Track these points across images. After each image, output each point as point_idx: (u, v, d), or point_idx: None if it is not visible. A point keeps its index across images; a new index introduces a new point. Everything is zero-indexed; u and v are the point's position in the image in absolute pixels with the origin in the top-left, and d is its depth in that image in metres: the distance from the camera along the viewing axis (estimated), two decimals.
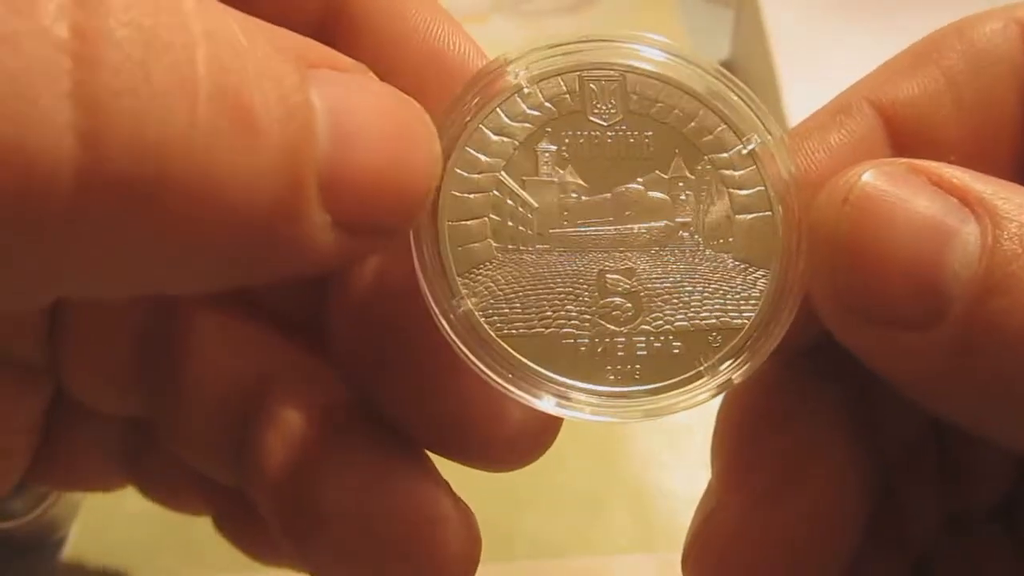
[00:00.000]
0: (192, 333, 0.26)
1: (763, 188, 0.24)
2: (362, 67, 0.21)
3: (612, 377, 0.23)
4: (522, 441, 0.24)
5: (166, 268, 0.18)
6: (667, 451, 0.48)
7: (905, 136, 0.25)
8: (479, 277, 0.23)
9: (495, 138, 0.24)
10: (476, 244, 0.23)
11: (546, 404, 0.23)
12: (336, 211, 0.19)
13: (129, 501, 0.45)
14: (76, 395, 0.27)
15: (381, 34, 0.24)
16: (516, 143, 0.24)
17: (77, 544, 0.43)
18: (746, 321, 0.24)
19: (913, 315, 0.20)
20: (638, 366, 0.23)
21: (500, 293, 0.23)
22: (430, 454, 0.25)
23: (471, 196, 0.23)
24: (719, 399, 0.25)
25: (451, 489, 0.24)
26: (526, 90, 0.24)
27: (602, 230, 0.24)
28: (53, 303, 0.25)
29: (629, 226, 0.24)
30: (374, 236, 0.21)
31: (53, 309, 0.26)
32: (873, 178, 0.21)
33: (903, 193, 0.21)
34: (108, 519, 0.44)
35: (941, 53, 0.25)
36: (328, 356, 0.26)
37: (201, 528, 0.45)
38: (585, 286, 0.24)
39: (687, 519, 0.46)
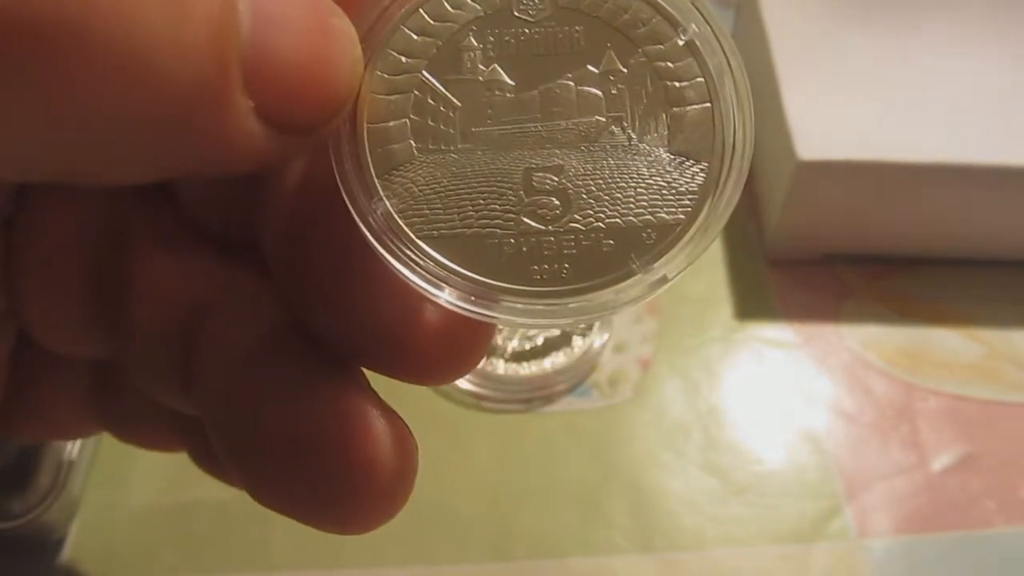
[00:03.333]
0: (136, 264, 0.26)
1: (701, 79, 0.23)
2: None
3: (539, 278, 0.22)
4: (448, 347, 0.23)
5: (77, 136, 0.17)
6: (667, 451, 0.47)
7: None
8: (398, 178, 0.22)
9: (417, 38, 0.23)
10: (395, 145, 0.23)
11: (469, 305, 0.22)
12: (259, 99, 0.19)
13: (129, 500, 0.45)
14: (37, 337, 0.27)
15: None
16: (439, 43, 0.23)
17: (77, 544, 0.43)
18: (682, 217, 0.23)
19: None
20: (566, 265, 0.22)
21: (420, 194, 0.22)
22: (369, 374, 0.25)
23: (391, 97, 0.23)
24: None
25: (381, 402, 0.24)
26: None
27: (529, 127, 0.23)
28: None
29: (558, 122, 0.23)
30: (296, 133, 0.20)
31: (6, 247, 0.26)
32: None
33: None
34: (108, 519, 0.44)
35: None
36: (268, 276, 0.25)
37: (201, 528, 0.45)
38: (510, 185, 0.23)
39: (687, 519, 0.45)
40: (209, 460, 0.30)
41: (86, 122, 0.17)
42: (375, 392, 0.24)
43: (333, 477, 0.23)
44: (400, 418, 0.24)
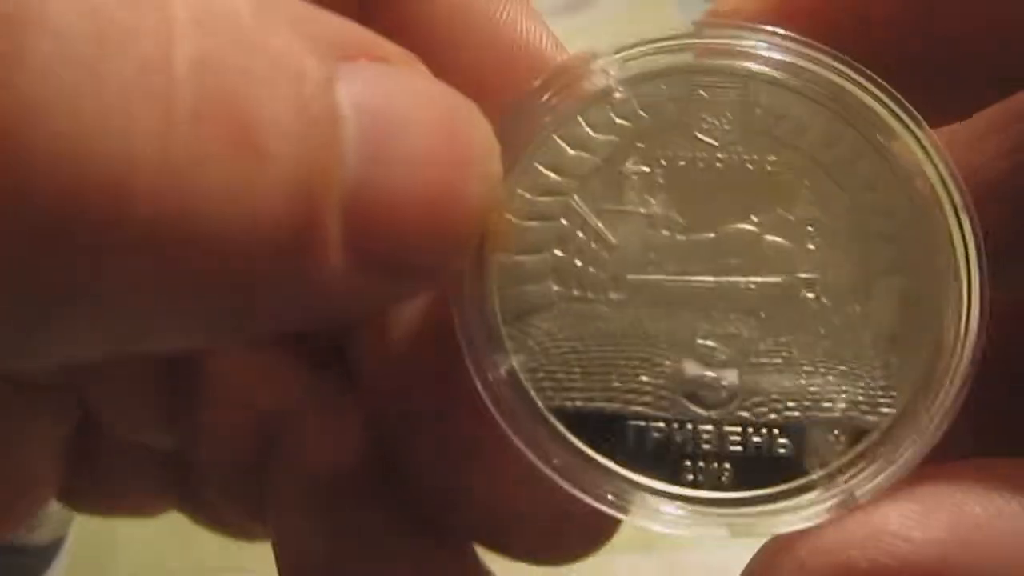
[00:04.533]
0: (213, 361, 0.22)
1: (925, 244, 0.18)
2: (411, 57, 0.17)
3: (691, 477, 0.18)
4: (567, 539, 0.19)
5: (141, 319, 0.14)
6: None
7: None
8: (531, 329, 0.18)
9: (572, 152, 0.19)
10: (532, 286, 0.18)
11: (599, 504, 0.18)
12: (363, 248, 0.15)
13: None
14: (102, 419, 0.25)
15: (437, 18, 0.19)
16: (598, 161, 0.19)
17: (77, 544, 0.43)
18: (882, 418, 0.18)
19: None
20: (727, 466, 0.18)
21: (556, 352, 0.18)
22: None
23: (532, 224, 0.18)
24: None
25: None
26: (617, 94, 0.19)
27: (698, 281, 0.18)
28: None
29: (735, 278, 0.18)
30: (409, 278, 0.16)
31: None
32: None
33: None
34: (108, 519, 0.43)
35: None
36: (356, 397, 0.22)
37: (201, 528, 0.44)
38: (668, 352, 0.18)
39: None
40: None
41: (142, 301, 0.13)
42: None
43: None
44: None
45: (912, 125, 0.18)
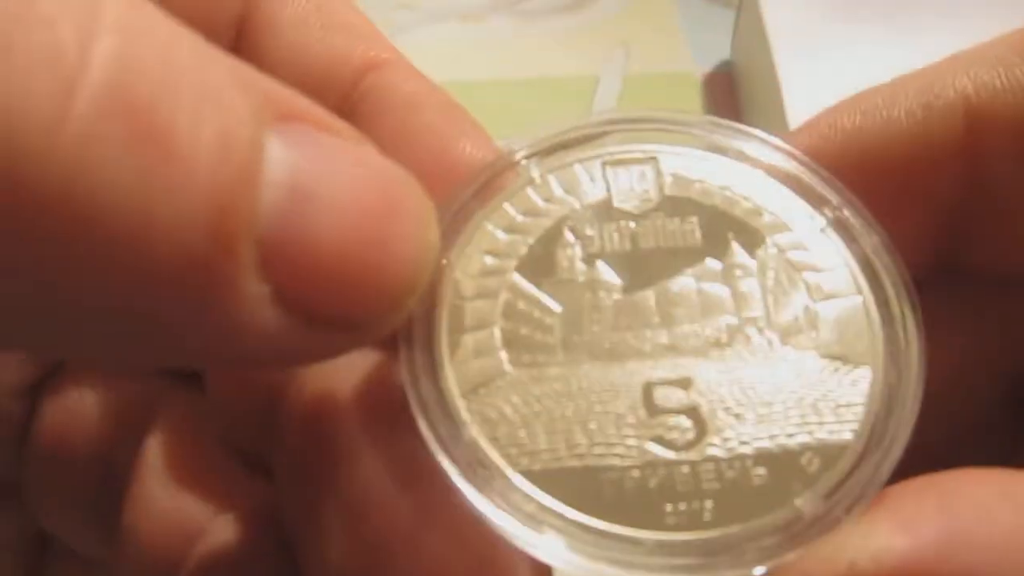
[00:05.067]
0: (138, 467, 0.22)
1: (846, 268, 0.19)
2: (358, 134, 0.17)
3: (673, 520, 0.17)
4: None
5: (25, 312, 0.13)
6: None
7: (994, 151, 0.19)
8: (488, 399, 0.18)
9: (504, 236, 0.20)
10: (483, 359, 0.18)
11: (585, 561, 0.17)
12: (280, 284, 0.15)
13: None
14: (44, 523, 0.24)
15: (393, 131, 0.21)
16: (530, 240, 0.19)
17: None
18: (849, 435, 0.18)
19: None
20: (708, 503, 0.17)
21: (516, 417, 0.18)
22: None
23: (476, 303, 0.19)
24: None
25: None
26: (538, 181, 0.20)
27: (645, 333, 0.19)
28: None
29: (680, 327, 0.19)
30: (339, 331, 0.16)
31: (25, 422, 0.23)
32: None
33: None
34: None
35: None
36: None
37: None
38: (628, 403, 0.18)
39: None
40: None
41: (20, 290, 0.13)
42: None
43: None
44: None
45: (813, 165, 0.20)
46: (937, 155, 0.20)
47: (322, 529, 0.18)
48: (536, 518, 0.17)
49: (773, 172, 0.20)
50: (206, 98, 0.14)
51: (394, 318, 0.17)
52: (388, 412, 0.18)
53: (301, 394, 0.19)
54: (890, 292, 0.19)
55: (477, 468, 0.17)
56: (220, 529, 0.20)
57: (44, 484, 0.23)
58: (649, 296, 0.19)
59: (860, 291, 0.19)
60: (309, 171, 0.15)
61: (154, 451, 0.21)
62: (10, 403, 0.22)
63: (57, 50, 0.12)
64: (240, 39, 0.21)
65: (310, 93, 0.19)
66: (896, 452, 0.17)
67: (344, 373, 0.19)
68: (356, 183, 0.16)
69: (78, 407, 0.22)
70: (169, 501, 0.21)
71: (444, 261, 0.19)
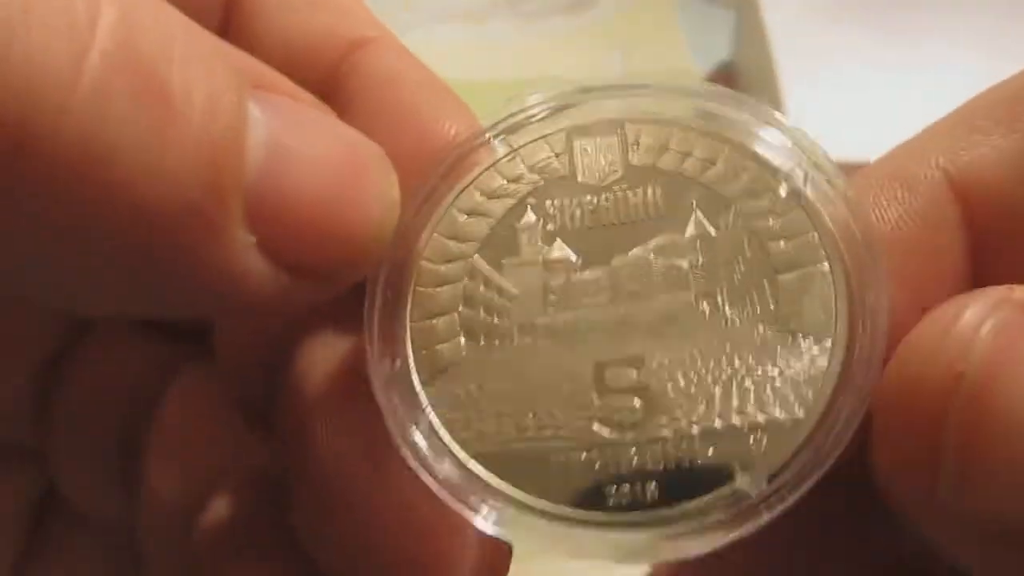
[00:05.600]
0: (152, 427, 0.24)
1: (814, 235, 0.18)
2: (322, 105, 0.19)
3: (617, 501, 0.17)
4: None
5: (39, 258, 0.15)
6: None
7: (988, 225, 0.18)
8: (447, 385, 0.19)
9: (467, 219, 0.20)
10: (443, 345, 0.19)
11: (530, 540, 0.18)
12: (263, 235, 0.16)
13: None
14: (62, 486, 0.26)
15: (374, 108, 0.21)
16: (493, 221, 0.20)
17: None
18: (801, 414, 0.17)
19: None
20: (653, 484, 0.17)
21: (469, 402, 0.19)
22: None
23: (438, 289, 0.19)
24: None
25: None
26: (505, 160, 0.20)
27: (598, 312, 0.19)
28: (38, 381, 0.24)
29: (634, 304, 0.19)
30: (311, 279, 0.17)
31: (42, 387, 0.25)
32: (999, 340, 0.15)
33: None
34: None
35: None
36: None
37: None
38: (577, 384, 0.18)
39: None
40: None
41: (40, 236, 0.15)
42: None
43: None
44: None
45: (784, 123, 0.19)
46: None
47: (298, 490, 0.20)
48: (485, 499, 0.18)
49: (743, 133, 0.19)
50: (194, 64, 0.15)
51: (361, 268, 0.18)
52: (357, 393, 0.19)
53: (290, 370, 0.21)
54: (855, 263, 0.18)
55: (432, 449, 0.18)
56: (225, 490, 0.22)
57: (67, 448, 0.25)
58: (605, 274, 0.19)
59: (826, 259, 0.18)
60: (285, 134, 0.17)
61: (170, 411, 0.23)
62: (26, 379, 0.24)
63: (70, 13, 0.14)
64: (228, 17, 0.22)
65: (296, 70, 0.20)
66: (846, 432, 0.17)
67: (326, 355, 0.21)
68: (326, 145, 0.17)
69: (99, 375, 0.25)
70: (183, 455, 0.23)
71: (413, 246, 0.20)
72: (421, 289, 0.19)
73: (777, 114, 0.19)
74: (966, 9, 0.57)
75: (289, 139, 0.17)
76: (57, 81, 0.14)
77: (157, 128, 0.15)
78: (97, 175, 0.14)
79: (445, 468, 0.18)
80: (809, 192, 0.19)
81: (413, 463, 0.18)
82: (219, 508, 0.22)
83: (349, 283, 0.19)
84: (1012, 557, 0.16)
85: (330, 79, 0.22)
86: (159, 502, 0.23)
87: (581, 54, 0.63)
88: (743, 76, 0.60)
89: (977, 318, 0.16)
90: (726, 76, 0.61)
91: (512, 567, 0.20)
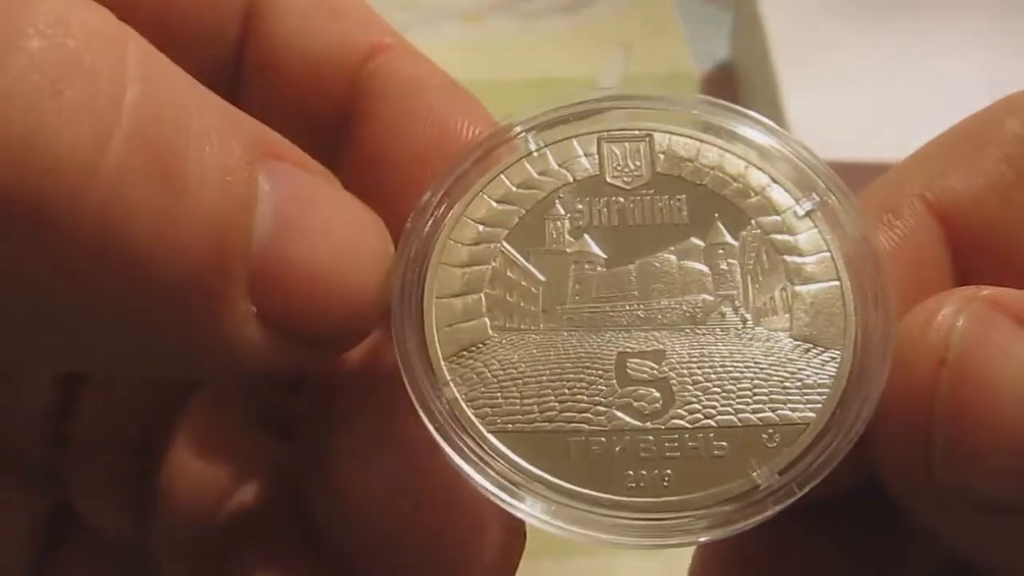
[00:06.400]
0: (173, 437, 0.23)
1: (828, 253, 0.20)
2: (328, 174, 0.20)
3: (633, 485, 0.18)
4: (501, 561, 0.19)
5: (51, 324, 0.16)
6: None
7: (966, 240, 0.20)
8: (470, 361, 0.19)
9: (497, 206, 0.20)
10: (468, 323, 0.19)
11: (545, 516, 0.18)
12: (264, 305, 0.17)
13: None
14: (77, 503, 0.25)
15: (395, 113, 0.22)
16: (522, 211, 0.20)
17: None
18: (812, 415, 0.18)
19: None
20: (668, 472, 0.18)
21: (493, 379, 0.19)
22: None
23: (465, 269, 0.20)
24: None
25: None
26: (535, 154, 0.21)
27: (623, 306, 0.20)
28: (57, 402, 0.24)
29: (657, 301, 0.20)
30: (307, 346, 0.18)
31: (60, 408, 0.24)
32: (970, 330, 0.18)
33: (1005, 346, 0.17)
34: None
35: (1002, 139, 0.20)
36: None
37: None
38: (600, 372, 0.19)
39: None
40: None
41: (55, 303, 0.15)
42: None
43: None
44: None
45: (803, 148, 0.20)
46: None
47: (318, 481, 0.20)
48: (505, 474, 0.18)
49: (765, 154, 0.21)
50: (209, 140, 0.16)
51: (358, 334, 0.19)
52: (380, 378, 0.20)
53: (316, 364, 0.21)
54: (867, 281, 0.19)
55: (454, 424, 0.18)
56: (245, 493, 0.22)
57: (83, 466, 0.24)
58: (631, 270, 0.20)
59: (838, 277, 0.19)
60: (290, 207, 0.17)
61: (188, 422, 0.23)
62: (45, 394, 0.24)
63: (96, 97, 0.14)
64: (248, 28, 0.22)
65: (316, 78, 0.20)
66: (854, 434, 0.18)
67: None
68: (329, 217, 0.18)
69: (116, 392, 0.24)
70: (201, 465, 0.23)
71: (441, 224, 0.20)
72: (447, 267, 0.20)
73: (797, 139, 0.21)
74: (966, 9, 0.57)
75: (294, 212, 0.17)
76: (80, 162, 0.14)
77: (171, 205, 0.15)
78: (111, 250, 0.15)
79: (465, 442, 0.18)
80: (823, 212, 0.20)
81: (434, 435, 0.18)
82: (239, 510, 0.22)
83: (345, 349, 0.20)
84: (1002, 527, 0.17)
85: (350, 86, 0.22)
86: (178, 507, 0.23)
87: (581, 54, 0.63)
88: (742, 76, 0.60)
89: (953, 313, 0.18)
90: (725, 76, 0.61)
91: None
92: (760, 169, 0.21)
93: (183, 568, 0.23)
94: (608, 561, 0.41)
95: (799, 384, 0.19)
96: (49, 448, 0.24)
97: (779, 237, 0.20)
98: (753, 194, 0.20)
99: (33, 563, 0.25)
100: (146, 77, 0.15)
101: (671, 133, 0.21)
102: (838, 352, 0.19)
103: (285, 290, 0.17)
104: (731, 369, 0.19)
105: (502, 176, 0.21)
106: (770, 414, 0.18)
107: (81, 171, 0.14)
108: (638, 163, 0.21)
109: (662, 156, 0.21)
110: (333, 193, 0.19)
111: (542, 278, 0.20)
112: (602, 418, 0.19)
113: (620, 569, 0.41)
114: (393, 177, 0.21)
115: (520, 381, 0.19)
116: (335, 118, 0.22)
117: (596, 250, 0.20)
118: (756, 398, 0.19)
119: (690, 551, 0.23)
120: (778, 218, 0.20)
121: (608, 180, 0.21)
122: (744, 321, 0.19)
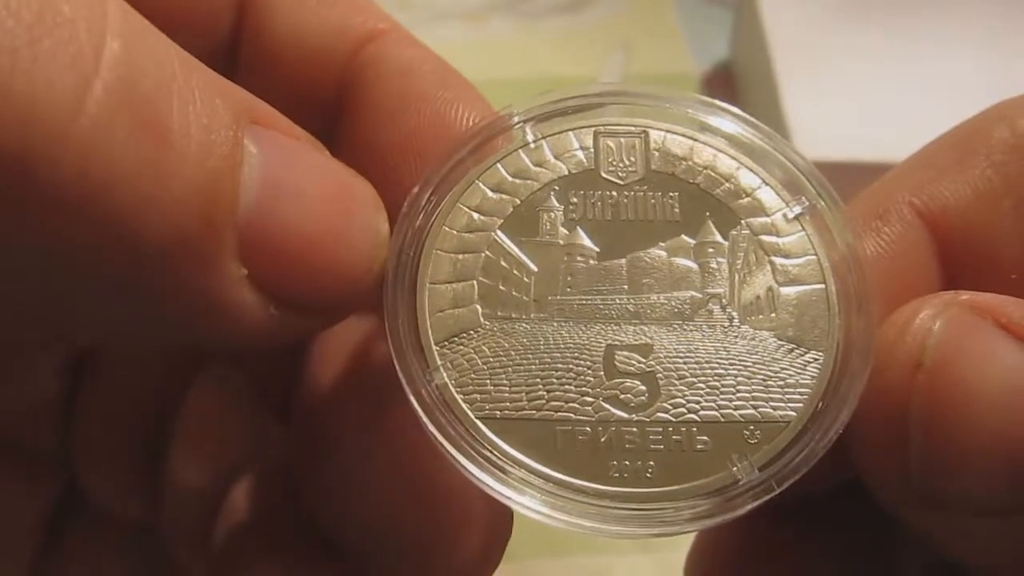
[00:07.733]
0: (181, 420, 0.24)
1: (814, 257, 0.20)
2: (315, 141, 0.20)
3: (617, 475, 0.18)
4: (487, 547, 0.20)
5: (32, 285, 0.15)
6: None
7: (954, 247, 0.21)
8: (460, 348, 0.19)
9: (492, 195, 0.21)
10: (460, 309, 0.20)
11: (529, 503, 0.18)
12: (255, 268, 0.17)
13: None
14: (86, 490, 0.25)
15: (391, 97, 0.22)
16: (516, 201, 0.21)
17: None
18: (793, 414, 0.19)
19: (1004, 501, 0.17)
20: (651, 463, 0.19)
21: (484, 367, 0.19)
22: None
23: (459, 256, 0.20)
24: None
25: None
26: (532, 145, 0.21)
27: (613, 299, 0.20)
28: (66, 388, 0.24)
29: (647, 296, 0.20)
30: (301, 313, 0.18)
31: (69, 394, 0.24)
32: (947, 335, 0.18)
33: (983, 350, 0.17)
34: None
35: (990, 146, 0.21)
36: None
37: None
38: (589, 363, 0.19)
39: None
40: None
41: (31, 261, 0.15)
42: None
43: None
44: None
45: (795, 153, 0.21)
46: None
47: (315, 468, 0.20)
48: (491, 460, 0.18)
49: (757, 156, 0.21)
50: (192, 98, 0.16)
51: (350, 303, 0.19)
52: (373, 366, 0.20)
53: (311, 347, 0.21)
54: (852, 285, 0.20)
55: (443, 409, 0.19)
56: (248, 475, 0.22)
57: (92, 448, 0.24)
58: (622, 264, 0.20)
59: (824, 280, 0.20)
60: (279, 170, 0.17)
61: (195, 404, 0.23)
62: (53, 379, 0.24)
63: (75, 43, 0.14)
64: (242, 16, 0.22)
65: (312, 64, 0.20)
66: (833, 434, 0.18)
67: (347, 329, 0.21)
68: (318, 182, 0.18)
69: (125, 373, 0.24)
70: (207, 447, 0.23)
71: (435, 212, 0.20)
72: (441, 253, 0.20)
73: (790, 145, 0.21)
74: (966, 9, 0.57)
75: (283, 175, 0.17)
76: (60, 111, 0.14)
77: (154, 160, 0.15)
78: (94, 204, 0.14)
79: (453, 428, 0.19)
80: (811, 216, 0.20)
81: (423, 419, 0.19)
82: (242, 497, 0.22)
83: (339, 318, 0.19)
84: (982, 527, 0.18)
85: (346, 71, 0.22)
86: (183, 492, 0.23)
87: (581, 54, 0.63)
88: (741, 76, 0.60)
89: (931, 316, 0.18)
90: (724, 75, 0.61)
91: (508, 566, 0.20)
92: (752, 171, 0.21)
93: (186, 552, 0.23)
94: (608, 560, 0.41)
95: (781, 383, 0.19)
96: (55, 435, 0.24)
97: (768, 239, 0.20)
98: (744, 195, 0.21)
99: (38, 549, 0.25)
100: (126, 33, 0.15)
101: (666, 131, 0.21)
102: (821, 353, 0.19)
103: (276, 253, 0.17)
104: (716, 366, 0.19)
105: (498, 165, 0.21)
106: (752, 411, 0.19)
107: (60, 119, 0.14)
108: (633, 159, 0.21)
109: (656, 153, 0.21)
110: (321, 158, 0.19)
111: (534, 268, 0.20)
112: (589, 408, 0.19)
113: (620, 568, 0.42)
114: (388, 163, 0.21)
115: (510, 369, 0.19)
116: (331, 104, 0.22)
117: (588, 243, 0.20)
118: (739, 395, 0.19)
119: (685, 549, 0.24)
120: (767, 220, 0.20)
121: (603, 174, 0.21)
122: (731, 319, 0.20)
